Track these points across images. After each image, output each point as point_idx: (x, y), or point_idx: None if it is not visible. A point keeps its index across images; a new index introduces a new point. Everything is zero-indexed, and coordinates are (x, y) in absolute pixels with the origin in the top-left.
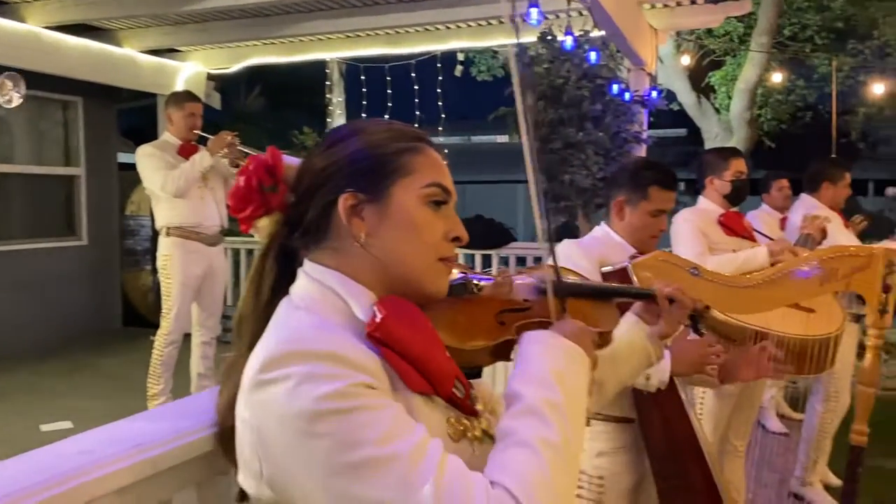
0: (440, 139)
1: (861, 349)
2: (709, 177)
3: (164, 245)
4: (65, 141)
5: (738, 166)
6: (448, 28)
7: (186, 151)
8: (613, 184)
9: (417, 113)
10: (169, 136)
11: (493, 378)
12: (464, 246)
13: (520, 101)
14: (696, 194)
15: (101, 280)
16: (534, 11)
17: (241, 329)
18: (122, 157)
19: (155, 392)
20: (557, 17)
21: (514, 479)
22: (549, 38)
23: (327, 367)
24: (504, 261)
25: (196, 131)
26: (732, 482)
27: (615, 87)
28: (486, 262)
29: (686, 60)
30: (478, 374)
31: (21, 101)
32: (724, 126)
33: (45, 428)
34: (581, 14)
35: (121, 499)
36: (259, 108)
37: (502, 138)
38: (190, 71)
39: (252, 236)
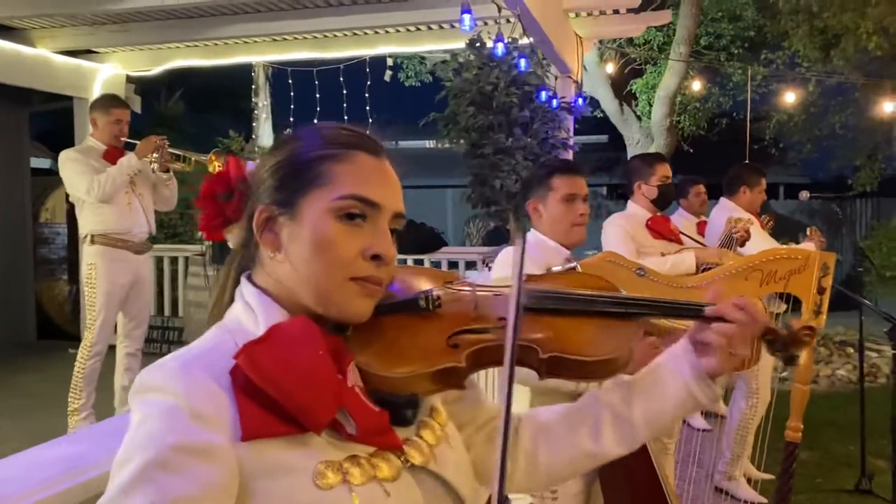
0: None
1: None
2: (636, 182)
3: (89, 253)
4: None
5: (664, 171)
6: (377, 33)
7: (112, 156)
8: (524, 193)
9: (346, 118)
10: (93, 142)
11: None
12: (403, 252)
13: None
14: (620, 198)
15: (13, 291)
16: (466, 17)
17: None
18: (35, 163)
19: (76, 407)
20: (486, 23)
21: None
22: (479, 44)
23: (162, 414)
24: (436, 265)
25: (122, 138)
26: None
27: (543, 95)
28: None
29: (610, 69)
30: (414, 404)
31: None
32: (646, 132)
33: None
34: (509, 21)
35: None
36: (180, 111)
37: (430, 143)
38: (108, 73)
39: (178, 243)
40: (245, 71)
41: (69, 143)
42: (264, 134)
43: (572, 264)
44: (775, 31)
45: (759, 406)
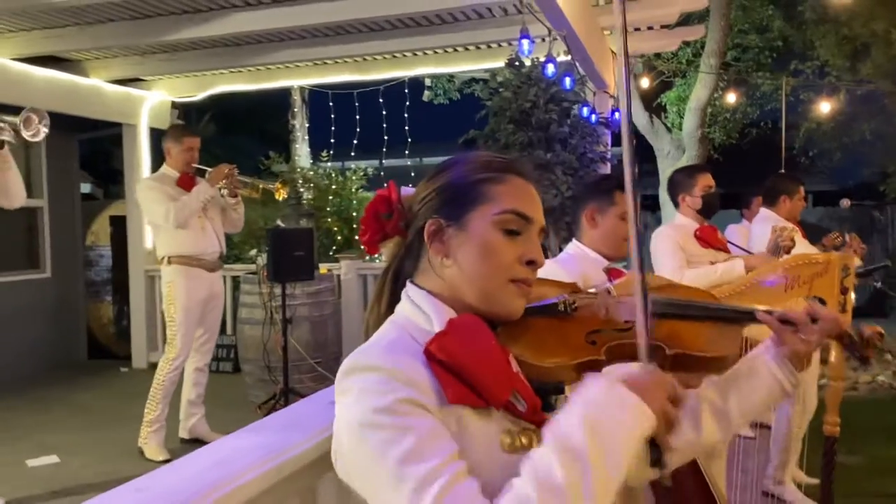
0: (398, 162)
1: (825, 352)
2: (680, 195)
3: (167, 273)
4: (27, 173)
5: (706, 182)
6: (415, 55)
7: (185, 182)
8: (581, 199)
9: (386, 138)
10: (167, 169)
11: None
12: None
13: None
14: (644, 209)
15: (66, 313)
16: (525, 42)
17: (367, 334)
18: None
19: (150, 419)
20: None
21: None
22: (517, 63)
23: (379, 382)
24: None
25: (193, 164)
26: (717, 484)
27: (585, 111)
28: None
29: (646, 83)
30: (560, 390)
31: (46, 133)
32: (676, 144)
33: (31, 463)
34: (543, 40)
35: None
36: (210, 134)
37: None
38: (155, 100)
39: (249, 263)
40: (273, 94)
41: (109, 168)
42: (302, 155)
43: (606, 285)
44: (802, 41)
45: (805, 412)
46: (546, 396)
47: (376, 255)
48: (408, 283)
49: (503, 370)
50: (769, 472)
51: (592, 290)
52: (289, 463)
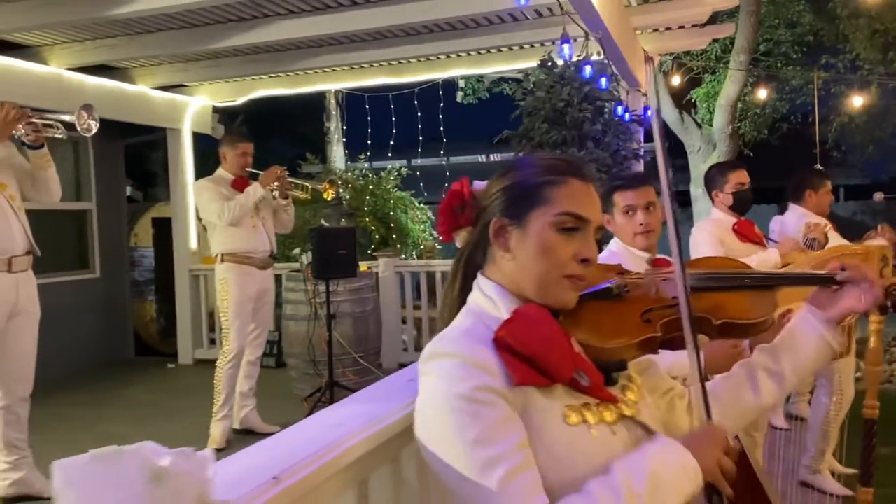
0: (425, 161)
1: (860, 345)
2: (713, 191)
3: (220, 270)
4: (76, 177)
5: (737, 178)
6: (449, 57)
7: (239, 185)
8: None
9: (420, 138)
10: (222, 172)
11: None
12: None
13: (660, 149)
14: (684, 206)
15: (114, 311)
16: (566, 47)
17: (442, 318)
18: None
19: (218, 407)
20: (553, 43)
21: None
22: (550, 63)
23: (457, 367)
24: None
25: (247, 168)
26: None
27: (619, 109)
28: None
29: (677, 81)
30: (623, 367)
31: (97, 126)
32: (707, 139)
33: (97, 454)
34: (575, 40)
35: (364, 460)
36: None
37: (482, 157)
38: (197, 105)
39: (292, 262)
40: (305, 97)
41: (145, 171)
42: (337, 156)
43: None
44: (833, 34)
45: (842, 403)
46: (608, 373)
47: (449, 242)
48: (478, 275)
49: (566, 350)
50: (805, 462)
51: (637, 275)
52: (387, 429)
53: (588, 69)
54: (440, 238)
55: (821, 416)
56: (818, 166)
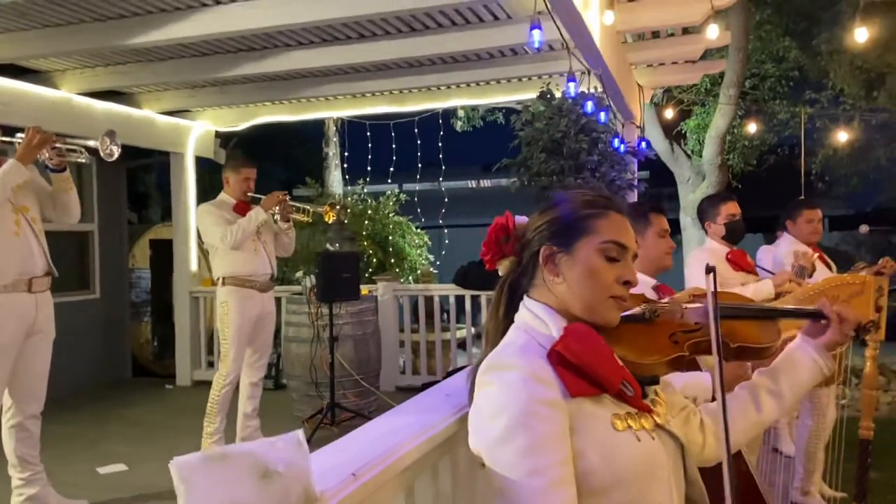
0: (412, 186)
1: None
2: (706, 222)
3: (222, 293)
4: (79, 199)
5: (728, 210)
6: (449, 87)
7: (241, 209)
8: None
9: (419, 165)
10: (225, 196)
11: None
12: (470, 286)
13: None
14: (674, 234)
15: (113, 332)
16: (535, 33)
17: (488, 338)
18: None
19: (210, 431)
20: (550, 76)
21: None
22: (549, 95)
23: (517, 380)
24: None
25: (250, 193)
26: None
27: (616, 141)
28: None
29: (670, 114)
30: (656, 381)
31: (119, 152)
32: (696, 170)
33: (102, 471)
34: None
35: (430, 456)
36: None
37: (473, 183)
38: (200, 129)
39: (294, 286)
40: (301, 122)
41: (137, 193)
42: (334, 181)
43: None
44: (817, 70)
45: (825, 424)
46: (643, 387)
47: (493, 270)
48: (525, 297)
49: (614, 364)
50: (796, 484)
51: (665, 301)
52: (437, 436)
53: (590, 105)
54: (486, 264)
55: (805, 436)
56: (801, 197)
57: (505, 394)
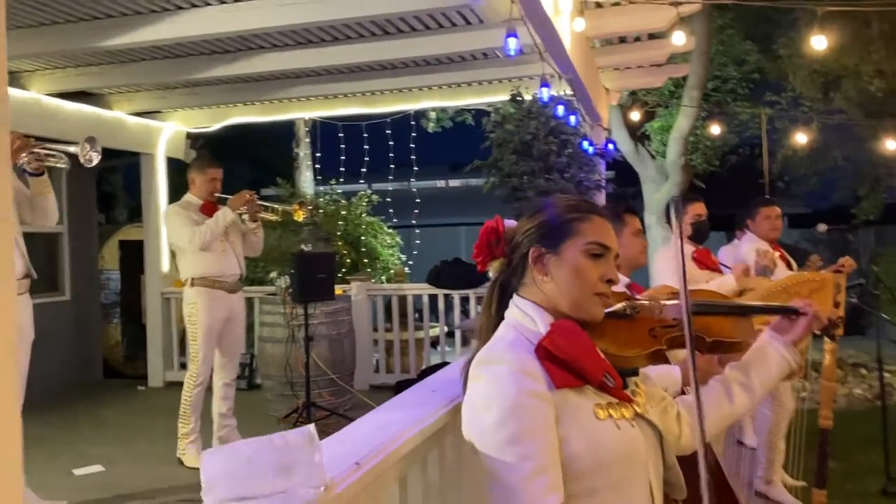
0: (383, 186)
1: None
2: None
3: (190, 294)
4: None
5: (695, 210)
6: (421, 90)
7: (208, 209)
8: None
9: (392, 166)
10: (191, 197)
11: None
12: (443, 286)
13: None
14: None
15: (83, 334)
16: (511, 41)
17: (480, 334)
18: None
19: (185, 431)
20: (520, 80)
21: None
22: (519, 98)
23: (507, 373)
24: (480, 300)
25: (216, 193)
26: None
27: (585, 143)
28: (464, 302)
29: (635, 116)
30: (636, 373)
31: (99, 158)
32: (660, 170)
33: (78, 472)
34: (540, 77)
35: (421, 448)
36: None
37: (441, 183)
38: (171, 131)
39: (267, 286)
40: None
41: (103, 193)
42: (305, 181)
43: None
44: (776, 73)
45: (783, 413)
46: (623, 378)
47: (484, 271)
48: (514, 296)
49: (597, 357)
50: (759, 474)
51: (645, 298)
52: (427, 429)
53: (561, 109)
54: (478, 265)
55: (765, 428)
56: (767, 196)
57: (495, 386)
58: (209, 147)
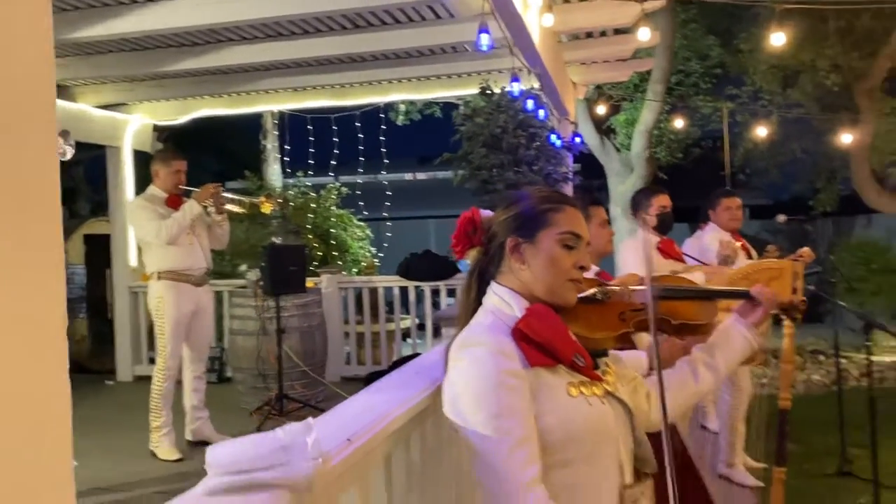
0: (351, 178)
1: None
2: (639, 213)
3: (156, 288)
4: None
5: (660, 202)
6: (390, 82)
7: (173, 202)
8: None
9: (361, 159)
10: (155, 190)
11: None
12: (414, 278)
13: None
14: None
15: None
16: (484, 37)
17: (460, 319)
18: None
19: (157, 425)
20: (489, 73)
21: None
22: (488, 91)
23: (486, 354)
24: (451, 292)
25: (181, 186)
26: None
27: (553, 137)
28: (435, 294)
29: (601, 109)
30: (604, 354)
31: (72, 153)
32: (625, 163)
33: None
34: (507, 71)
35: (404, 428)
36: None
37: (410, 176)
38: (138, 123)
39: (237, 279)
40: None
41: (70, 188)
42: (273, 174)
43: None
44: (736, 67)
45: (741, 397)
46: (594, 359)
47: (462, 259)
48: (492, 283)
49: (568, 339)
50: (722, 457)
51: (614, 286)
52: (413, 408)
53: (530, 103)
54: (456, 254)
55: (726, 411)
56: (727, 188)
57: (475, 367)
58: (174, 139)
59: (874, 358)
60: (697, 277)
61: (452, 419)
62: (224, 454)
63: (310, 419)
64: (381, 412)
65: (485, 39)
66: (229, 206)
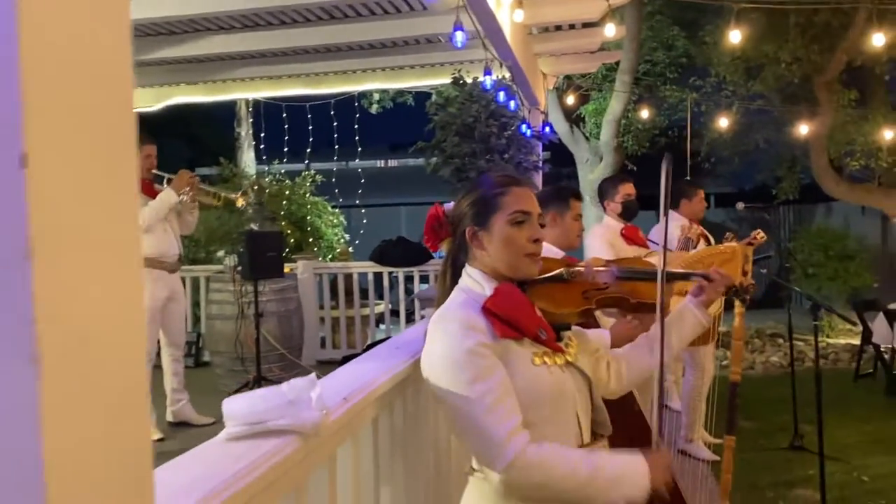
0: (325, 165)
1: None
2: (605, 200)
3: None
4: None
5: (626, 190)
6: (365, 72)
7: (145, 188)
8: (541, 205)
9: (336, 147)
10: None
11: None
12: (387, 264)
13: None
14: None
15: None
16: (458, 34)
17: (438, 300)
18: None
19: None
20: (462, 64)
21: (543, 455)
22: (461, 82)
23: (459, 329)
24: (424, 278)
25: (152, 171)
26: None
27: (524, 127)
28: (409, 279)
29: (571, 100)
30: (568, 328)
31: None
32: (594, 151)
33: None
34: (481, 62)
35: (389, 394)
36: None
37: (381, 163)
38: None
39: (214, 265)
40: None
41: None
42: (247, 161)
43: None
44: (701, 58)
45: (704, 378)
46: (558, 332)
47: (436, 251)
48: (466, 266)
49: (532, 315)
50: (682, 433)
51: (580, 266)
52: (397, 375)
53: (502, 95)
54: (430, 248)
55: (688, 390)
56: (688, 178)
57: (449, 339)
58: (143, 124)
59: (830, 340)
60: (658, 261)
61: (433, 385)
62: (240, 407)
63: (313, 374)
64: (371, 377)
65: (459, 37)
66: (203, 199)
